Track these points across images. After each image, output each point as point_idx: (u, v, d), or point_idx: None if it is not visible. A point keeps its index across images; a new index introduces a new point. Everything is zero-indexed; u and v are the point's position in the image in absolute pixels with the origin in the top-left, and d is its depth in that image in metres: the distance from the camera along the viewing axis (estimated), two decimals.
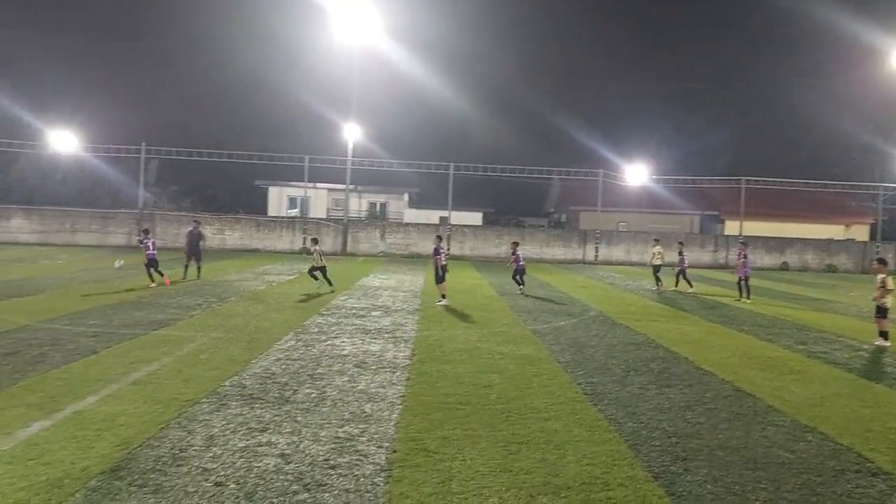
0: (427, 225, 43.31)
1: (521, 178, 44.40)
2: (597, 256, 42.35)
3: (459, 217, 46.34)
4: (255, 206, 55.08)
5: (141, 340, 11.14)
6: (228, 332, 12.18)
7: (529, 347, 11.88)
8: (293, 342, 11.55)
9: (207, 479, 5.50)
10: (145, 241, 19.60)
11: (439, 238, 18.61)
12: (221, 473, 5.64)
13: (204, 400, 7.78)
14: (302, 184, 43.36)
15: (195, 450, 6.16)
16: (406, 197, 59.24)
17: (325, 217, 48.10)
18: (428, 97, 65.44)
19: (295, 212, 52.94)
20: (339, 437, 6.67)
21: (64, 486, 5.27)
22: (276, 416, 7.31)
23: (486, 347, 11.70)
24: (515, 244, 21.66)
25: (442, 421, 7.34)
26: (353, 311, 15.57)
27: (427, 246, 40.50)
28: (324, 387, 8.61)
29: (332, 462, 6.00)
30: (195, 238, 21.99)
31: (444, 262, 17.96)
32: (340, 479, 5.64)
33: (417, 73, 57.08)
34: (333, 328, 13.12)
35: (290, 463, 5.94)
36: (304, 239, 40.17)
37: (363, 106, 44.29)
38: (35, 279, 19.45)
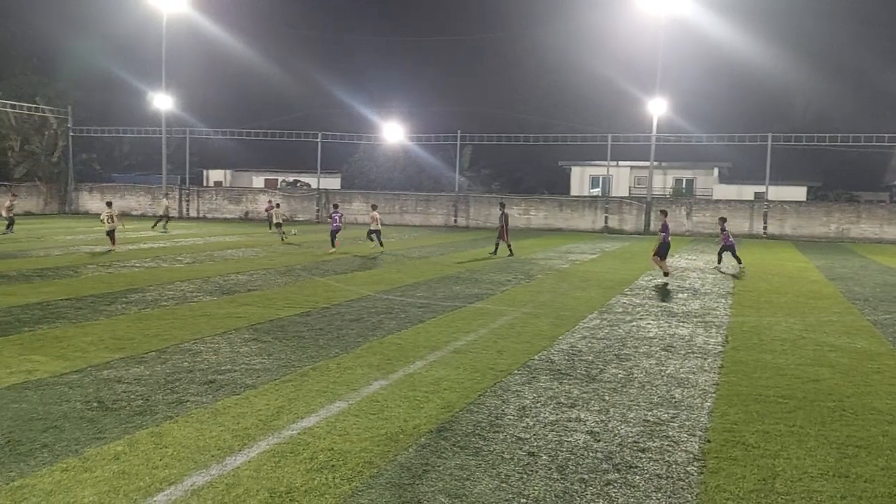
0: (740, 202, 40.21)
1: (855, 147, 38.90)
2: None
3: (778, 192, 42.16)
4: (558, 186, 56.26)
5: (460, 312, 12.09)
6: (536, 308, 12.65)
7: (867, 340, 10.42)
8: (598, 321, 11.60)
9: (521, 448, 5.80)
10: (334, 214, 23.37)
11: (664, 213, 18.20)
12: (534, 444, 5.90)
13: (516, 371, 8.20)
14: (604, 162, 43.11)
15: (509, 419, 6.53)
16: (716, 172, 55.59)
17: (627, 195, 47.28)
18: (741, 63, 60.16)
19: (597, 191, 52.92)
20: (647, 421, 6.55)
21: (399, 440, 5.95)
22: (584, 393, 7.42)
23: (813, 338, 10.54)
24: (723, 220, 21.00)
25: (761, 414, 6.80)
26: (658, 293, 15.12)
27: (740, 224, 37.67)
28: (630, 368, 8.52)
29: (641, 445, 5.92)
30: (503, 219, 23.36)
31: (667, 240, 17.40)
32: (651, 463, 5.54)
33: (729, 37, 52.97)
34: (638, 309, 12.89)
35: (599, 441, 6.00)
36: (606, 218, 39.97)
37: (668, 78, 42.38)
38: (374, 255, 22.20)
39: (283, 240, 26.98)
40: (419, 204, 43.53)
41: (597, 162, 49.71)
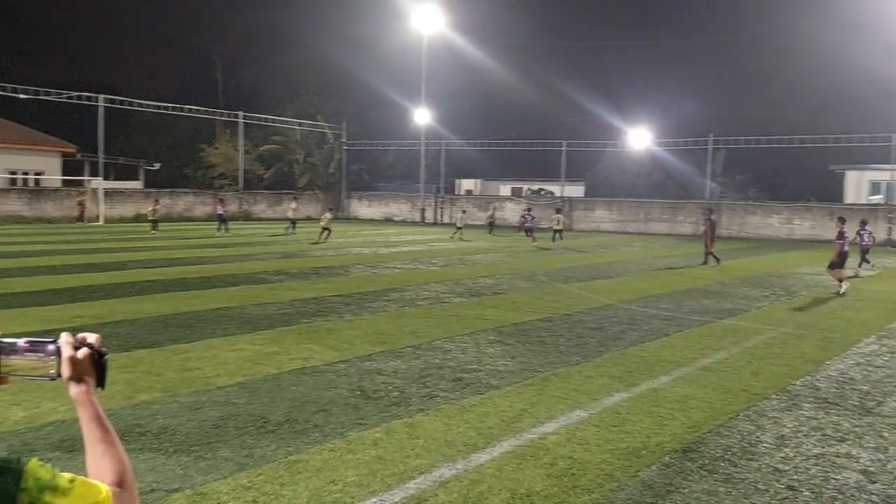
0: None
1: None
2: None
3: None
4: (827, 192, 50.44)
5: (709, 328, 11.41)
6: (798, 328, 11.51)
7: None
8: (875, 346, 10.24)
9: (779, 480, 5.32)
10: (526, 214, 29.80)
11: (842, 220, 17.19)
12: (794, 477, 5.38)
13: (773, 396, 7.54)
14: (888, 166, 37.87)
15: (765, 447, 6.02)
16: None
17: None
18: None
19: (878, 198, 46.58)
20: None
21: (641, 456, 5.77)
22: (857, 426, 6.60)
23: None
24: (864, 222, 20.67)
25: None
26: None
27: None
28: None
29: None
30: (708, 226, 22.12)
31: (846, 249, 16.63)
32: None
33: None
34: None
35: (874, 482, 5.30)
36: (890, 229, 35.08)
37: None
38: (616, 264, 21.80)
39: (456, 235, 31.07)
40: (665, 211, 41.80)
41: (879, 165, 43.80)
